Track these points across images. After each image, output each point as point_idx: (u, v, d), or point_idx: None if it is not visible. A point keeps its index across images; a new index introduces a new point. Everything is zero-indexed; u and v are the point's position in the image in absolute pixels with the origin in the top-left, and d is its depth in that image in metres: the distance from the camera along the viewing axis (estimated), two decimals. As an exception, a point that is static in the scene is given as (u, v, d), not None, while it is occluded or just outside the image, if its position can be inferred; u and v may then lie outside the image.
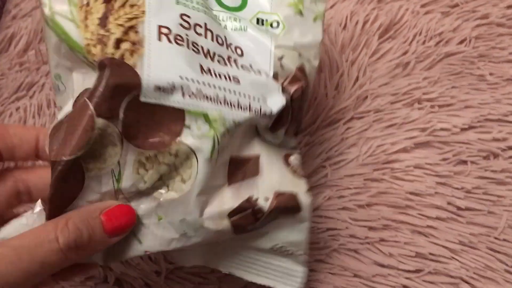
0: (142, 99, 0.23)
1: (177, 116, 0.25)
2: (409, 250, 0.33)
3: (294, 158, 0.30)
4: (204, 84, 0.25)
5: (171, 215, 0.26)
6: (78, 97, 0.25)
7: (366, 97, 0.40)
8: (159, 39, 0.25)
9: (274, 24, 0.30)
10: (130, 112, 0.24)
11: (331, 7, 0.45)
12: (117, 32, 0.24)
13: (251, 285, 0.33)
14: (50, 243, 0.21)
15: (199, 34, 0.27)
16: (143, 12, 0.25)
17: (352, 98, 0.39)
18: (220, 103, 0.25)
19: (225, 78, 0.26)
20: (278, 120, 0.28)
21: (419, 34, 0.41)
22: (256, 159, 0.28)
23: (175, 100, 0.24)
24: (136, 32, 0.24)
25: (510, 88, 0.39)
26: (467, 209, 0.35)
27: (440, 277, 0.33)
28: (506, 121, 0.38)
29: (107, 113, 0.23)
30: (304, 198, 0.28)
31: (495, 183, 0.36)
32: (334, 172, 0.37)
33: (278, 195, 0.28)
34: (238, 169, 0.27)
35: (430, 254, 0.33)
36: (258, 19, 0.30)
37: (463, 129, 0.37)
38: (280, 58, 0.29)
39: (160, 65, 0.24)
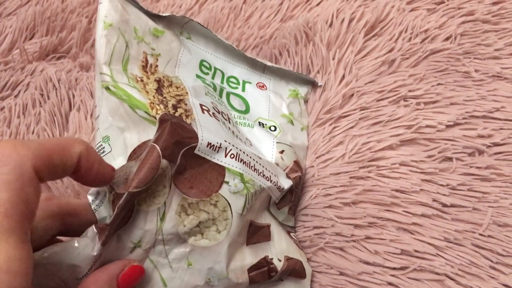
0: (196, 151, 0.28)
1: (219, 172, 0.29)
2: (394, 248, 0.33)
3: (293, 235, 0.35)
4: (241, 151, 0.30)
5: (201, 262, 0.28)
6: (133, 150, 0.28)
7: (352, 95, 0.40)
8: (202, 112, 0.31)
9: (272, 128, 0.37)
10: (183, 160, 0.27)
11: (318, 4, 0.45)
12: (172, 100, 0.30)
13: None
14: None
15: (225, 119, 0.33)
16: (186, 92, 0.32)
17: (338, 96, 0.39)
18: (252, 169, 0.31)
19: (251, 154, 0.32)
20: (284, 198, 0.34)
21: (405, 32, 0.41)
22: (268, 227, 0.33)
23: (219, 158, 0.29)
24: (186, 104, 0.31)
25: (496, 84, 0.39)
26: (452, 205, 0.35)
27: (425, 274, 0.33)
28: (491, 117, 0.38)
29: (170, 156, 0.27)
30: (307, 267, 0.33)
31: (480, 180, 0.36)
32: (321, 170, 0.37)
33: (288, 259, 0.32)
34: (255, 232, 0.32)
35: (415, 251, 0.33)
36: (259, 123, 0.37)
37: (448, 126, 0.37)
38: (281, 152, 0.36)
39: (209, 129, 0.29)
